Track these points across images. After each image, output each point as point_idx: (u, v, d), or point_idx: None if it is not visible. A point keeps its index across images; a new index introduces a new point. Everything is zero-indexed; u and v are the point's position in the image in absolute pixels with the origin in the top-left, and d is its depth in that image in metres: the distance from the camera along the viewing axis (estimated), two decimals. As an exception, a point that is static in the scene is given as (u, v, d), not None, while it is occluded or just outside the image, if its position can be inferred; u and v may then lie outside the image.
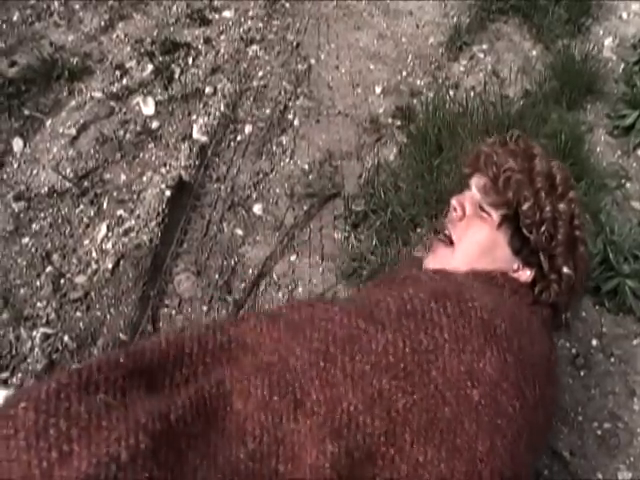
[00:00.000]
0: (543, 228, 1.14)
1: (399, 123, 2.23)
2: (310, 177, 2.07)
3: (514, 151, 1.22)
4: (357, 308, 0.97)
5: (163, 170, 2.04)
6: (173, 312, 1.74)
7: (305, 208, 1.98)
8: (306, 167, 2.10)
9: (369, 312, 0.95)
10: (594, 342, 1.69)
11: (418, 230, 1.87)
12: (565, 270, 1.16)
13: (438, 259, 1.20)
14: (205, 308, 1.75)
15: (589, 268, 1.30)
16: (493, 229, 1.17)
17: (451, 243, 1.19)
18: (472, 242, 1.17)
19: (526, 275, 1.16)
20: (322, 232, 1.94)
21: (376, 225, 1.89)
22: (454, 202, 1.22)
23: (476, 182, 1.23)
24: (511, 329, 0.98)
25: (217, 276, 1.82)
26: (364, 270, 1.78)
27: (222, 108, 2.25)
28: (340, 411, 0.87)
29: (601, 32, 2.58)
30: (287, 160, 2.13)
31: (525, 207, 1.14)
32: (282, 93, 2.34)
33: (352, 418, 0.86)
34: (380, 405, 0.87)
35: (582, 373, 1.64)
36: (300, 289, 1.80)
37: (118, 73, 2.35)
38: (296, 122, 2.25)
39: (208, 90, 2.32)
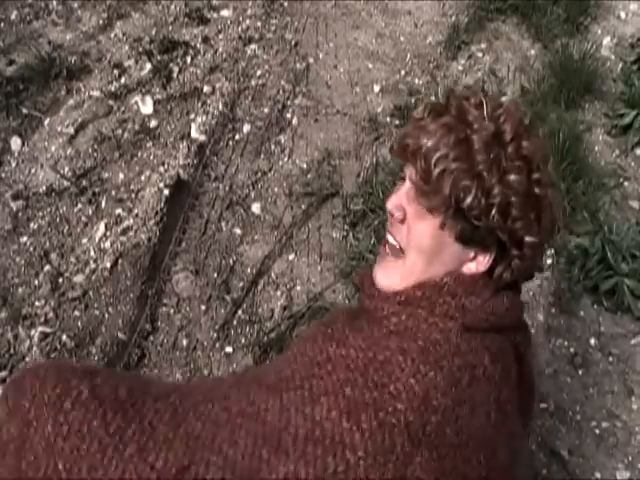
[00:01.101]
0: (493, 212, 0.98)
1: (397, 122, 2.23)
2: (308, 176, 2.07)
3: (447, 125, 1.01)
4: (265, 434, 0.89)
5: (161, 169, 2.04)
6: (171, 311, 1.75)
7: (303, 207, 1.98)
8: (304, 166, 2.10)
9: (277, 440, 0.88)
10: (592, 341, 1.69)
11: (416, 229, 1.87)
12: (527, 239, 1.01)
13: (387, 274, 1.06)
14: (203, 307, 1.75)
15: (556, 218, 1.14)
16: (436, 229, 1.01)
17: (401, 251, 1.05)
18: (418, 251, 1.02)
19: (485, 260, 1.02)
20: (320, 231, 1.94)
21: (374, 224, 1.89)
22: (390, 206, 1.05)
23: (410, 174, 1.05)
24: (446, 412, 0.89)
25: (215, 275, 1.82)
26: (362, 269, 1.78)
27: (220, 107, 2.25)
28: None
29: (599, 31, 2.58)
30: (285, 159, 2.13)
31: (468, 200, 0.97)
32: (280, 92, 2.34)
33: None
34: None
35: (580, 372, 1.64)
36: (298, 288, 1.80)
37: (116, 72, 2.35)
38: (294, 121, 2.25)
39: (206, 89, 2.31)
